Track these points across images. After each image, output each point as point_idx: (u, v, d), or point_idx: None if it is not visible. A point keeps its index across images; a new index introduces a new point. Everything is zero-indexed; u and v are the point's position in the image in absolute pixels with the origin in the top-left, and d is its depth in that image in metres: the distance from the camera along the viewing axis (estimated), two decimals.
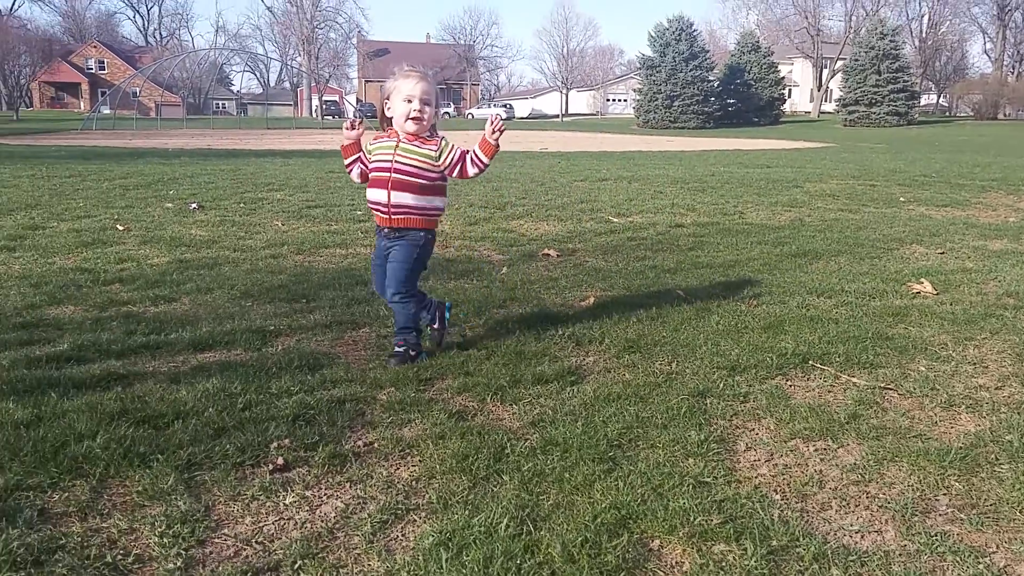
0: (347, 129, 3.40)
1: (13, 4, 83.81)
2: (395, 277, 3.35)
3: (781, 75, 58.91)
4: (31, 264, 5.17)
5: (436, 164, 3.33)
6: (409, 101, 3.25)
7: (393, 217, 3.31)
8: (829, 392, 3.08)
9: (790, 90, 68.46)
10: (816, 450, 2.56)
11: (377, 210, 3.35)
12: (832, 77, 66.54)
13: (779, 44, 69.44)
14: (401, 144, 3.29)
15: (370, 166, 3.39)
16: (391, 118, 3.35)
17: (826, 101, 67.80)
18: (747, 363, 3.33)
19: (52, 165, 12.82)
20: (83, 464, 2.23)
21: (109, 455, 2.28)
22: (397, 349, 3.40)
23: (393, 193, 3.29)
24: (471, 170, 3.37)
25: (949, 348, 3.62)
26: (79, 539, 1.90)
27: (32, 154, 16.21)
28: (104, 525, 1.97)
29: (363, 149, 3.44)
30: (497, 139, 3.33)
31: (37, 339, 3.51)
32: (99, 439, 2.37)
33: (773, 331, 3.81)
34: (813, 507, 2.20)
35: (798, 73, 75.55)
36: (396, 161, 3.28)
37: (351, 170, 3.45)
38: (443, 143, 3.34)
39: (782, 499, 2.23)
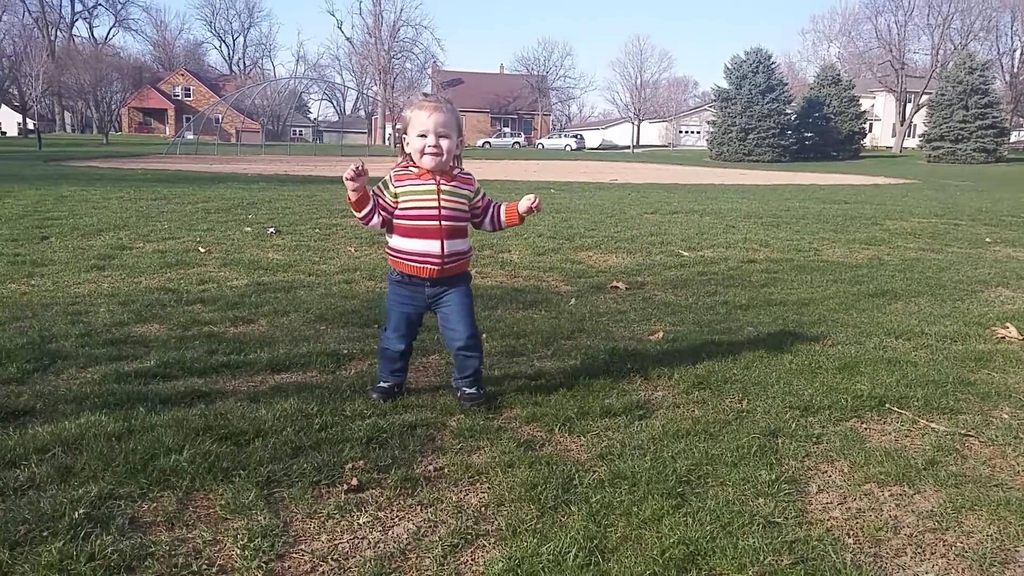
0: (351, 179, 2.92)
1: (108, 33, 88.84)
2: (469, 318, 3.16)
3: (862, 109, 57.64)
4: (119, 283, 5.44)
5: (470, 204, 3.18)
6: (423, 136, 3.00)
7: (446, 267, 3.08)
8: (906, 437, 3.00)
9: (871, 124, 66.87)
10: (891, 495, 2.50)
11: (425, 262, 3.05)
12: (916, 112, 64.81)
13: (861, 77, 68.09)
14: (443, 187, 3.06)
15: (401, 211, 3.05)
16: (408, 152, 3.11)
17: (909, 136, 66.03)
18: (821, 404, 3.27)
19: (139, 188, 13.45)
20: (170, 476, 2.35)
21: (195, 469, 2.39)
22: (473, 392, 3.17)
23: (448, 242, 3.06)
24: (487, 225, 3.24)
25: None
26: (167, 548, 2.00)
27: (120, 177, 17.04)
28: (190, 535, 2.07)
29: (382, 192, 3.08)
30: (528, 215, 3.21)
31: (125, 355, 3.69)
32: (185, 453, 2.49)
33: (848, 372, 3.73)
34: (887, 553, 2.15)
35: (880, 107, 73.85)
36: (443, 207, 3.05)
37: (369, 220, 3.06)
38: (476, 184, 3.21)
39: (855, 543, 2.19)
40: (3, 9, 69.32)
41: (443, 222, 3.05)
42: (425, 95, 3.12)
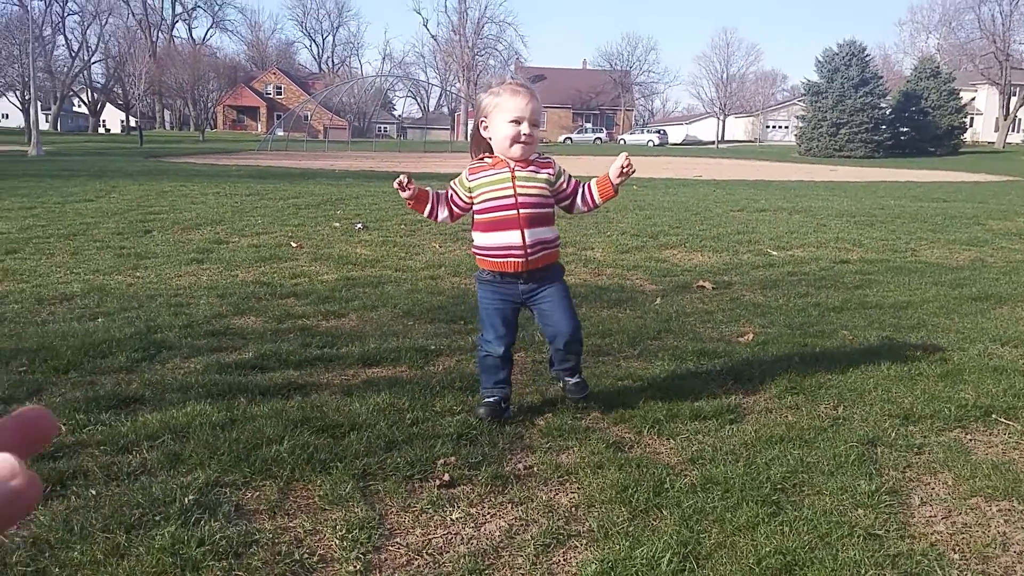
0: (401, 190, 2.89)
1: (205, 34, 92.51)
2: (570, 311, 2.98)
3: (963, 102, 54.95)
4: (217, 276, 5.66)
5: (552, 189, 2.93)
6: (518, 123, 2.79)
7: (531, 258, 2.85)
8: (1015, 449, 2.85)
9: (972, 119, 63.70)
10: (1000, 510, 2.39)
11: (508, 255, 2.85)
12: (1021, 105, 61.46)
13: (962, 70, 64.85)
14: (517, 173, 2.85)
15: (478, 206, 2.90)
16: (487, 140, 2.90)
17: (1013, 131, 62.64)
18: (922, 412, 3.14)
19: (233, 183, 13.97)
20: (272, 466, 2.44)
21: (294, 459, 2.47)
22: (579, 380, 3.09)
23: (528, 232, 2.83)
24: (580, 206, 2.98)
25: None
26: (270, 536, 2.08)
27: (215, 173, 17.74)
28: (291, 524, 2.15)
29: (456, 189, 2.95)
30: (622, 182, 2.93)
31: (225, 346, 3.84)
32: (285, 444, 2.58)
33: (951, 380, 3.57)
34: (995, 570, 2.06)
35: (982, 101, 70.23)
36: (520, 194, 2.84)
37: (436, 215, 2.97)
38: (558, 166, 2.97)
39: (961, 559, 2.10)
40: (108, 12, 72.92)
41: (521, 210, 2.83)
42: (515, 79, 2.92)
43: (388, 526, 2.16)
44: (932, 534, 2.23)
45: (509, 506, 2.31)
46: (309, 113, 65.03)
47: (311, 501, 2.27)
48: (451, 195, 2.95)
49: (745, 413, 3.14)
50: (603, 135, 73.34)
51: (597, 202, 2.97)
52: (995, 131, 65.18)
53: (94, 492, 2.24)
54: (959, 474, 2.61)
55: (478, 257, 2.97)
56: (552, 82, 79.81)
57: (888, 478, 2.57)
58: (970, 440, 2.93)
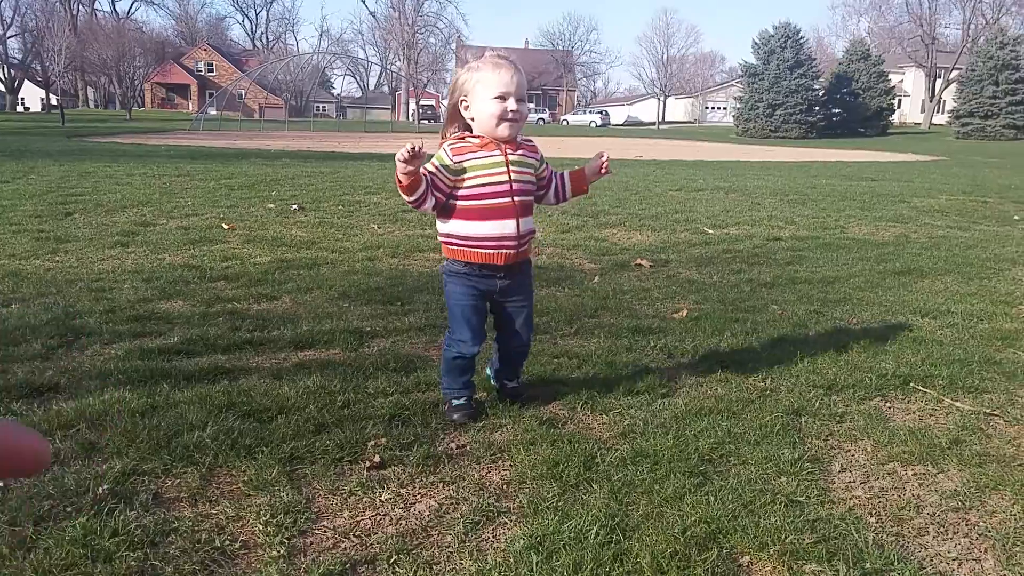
0: (405, 160, 2.44)
1: (130, 8, 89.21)
2: (530, 319, 2.90)
3: (891, 84, 56.59)
4: (143, 259, 5.48)
5: (536, 175, 2.76)
6: (503, 98, 2.57)
7: (521, 249, 2.70)
8: (931, 416, 2.96)
9: (900, 100, 65.64)
10: (915, 474, 2.47)
11: (500, 246, 2.65)
12: (946, 87, 63.57)
13: (890, 52, 66.80)
14: (511, 157, 2.63)
15: (467, 191, 2.61)
16: (469, 120, 2.66)
17: (938, 112, 64.75)
18: (845, 382, 3.24)
19: (162, 164, 13.54)
20: (194, 453, 2.37)
21: (218, 445, 2.41)
22: (515, 384, 3.02)
23: (522, 220, 2.67)
24: (550, 198, 2.85)
25: None
26: (190, 523, 2.02)
27: (143, 153, 17.17)
28: (213, 511, 2.09)
29: (439, 171, 2.61)
30: (592, 181, 2.85)
31: (149, 332, 3.72)
32: (209, 430, 2.51)
33: (873, 351, 3.69)
34: (910, 532, 2.13)
35: (909, 83, 72.42)
36: (515, 180, 2.63)
37: (422, 203, 2.58)
38: (541, 151, 2.82)
39: (877, 522, 2.17)
40: None
41: (516, 197, 2.63)
42: (496, 52, 2.68)
43: (315, 510, 2.13)
44: (850, 499, 2.29)
45: (440, 485, 2.30)
46: (243, 91, 63.45)
47: (235, 487, 2.21)
48: (432, 180, 2.58)
49: (677, 387, 3.19)
50: (546, 115, 73.37)
51: (568, 196, 2.85)
52: (921, 112, 67.41)
53: (1, 484, 2.14)
54: (878, 440, 2.69)
55: (456, 247, 2.66)
56: None
57: (811, 446, 2.64)
58: (889, 408, 3.03)
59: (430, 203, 2.60)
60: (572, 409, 2.91)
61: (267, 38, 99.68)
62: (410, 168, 2.48)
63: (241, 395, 2.85)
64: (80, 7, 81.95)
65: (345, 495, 2.21)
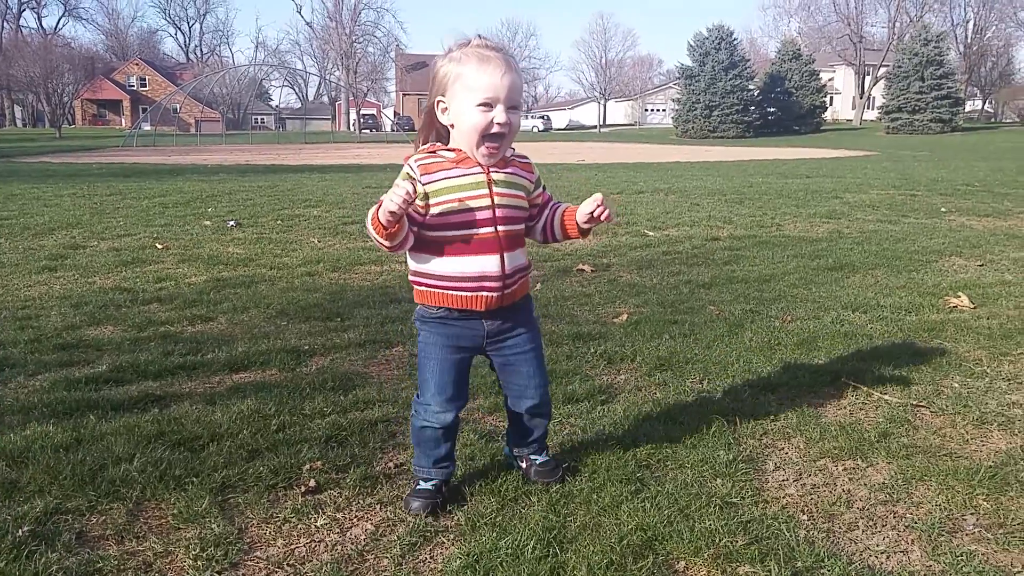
0: (401, 203, 1.95)
1: (57, 23, 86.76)
2: (543, 367, 2.35)
3: (823, 83, 58.24)
4: (71, 284, 5.32)
5: (528, 198, 2.25)
6: (489, 106, 2.04)
7: (508, 291, 2.18)
8: (861, 410, 3.04)
9: (832, 98, 67.56)
10: (845, 469, 2.53)
11: (480, 287, 2.14)
12: (875, 84, 65.62)
13: (821, 52, 68.70)
14: (495, 176, 2.13)
15: (436, 218, 2.10)
16: (447, 127, 2.15)
17: (868, 108, 66.83)
18: (779, 381, 3.30)
19: (93, 183, 13.17)
20: (120, 487, 2.29)
21: (145, 478, 2.34)
22: (547, 459, 2.42)
23: (508, 255, 2.15)
24: (536, 234, 2.31)
25: (984, 364, 3.55)
26: (116, 562, 1.95)
27: (74, 172, 16.67)
28: (140, 548, 2.02)
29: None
30: (590, 228, 2.26)
31: (77, 360, 3.61)
32: (136, 462, 2.43)
33: (806, 348, 3.77)
34: (840, 527, 2.18)
35: (840, 81, 74.57)
36: (499, 205, 2.13)
37: (403, 245, 2.11)
38: (537, 172, 2.30)
39: (809, 520, 2.22)
40: None
41: (500, 227, 2.12)
42: (482, 39, 2.11)
43: (247, 540, 2.08)
44: (784, 497, 2.34)
45: (377, 507, 2.27)
46: (178, 105, 62.05)
47: (163, 521, 2.15)
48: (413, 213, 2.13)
49: (616, 393, 3.21)
50: None
51: (558, 238, 2.30)
52: (852, 109, 69.43)
53: None
54: (810, 437, 2.75)
55: (427, 289, 2.18)
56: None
57: (745, 447, 2.68)
58: (821, 404, 3.10)
59: (409, 242, 2.12)
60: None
61: (201, 51, 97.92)
62: (401, 215, 2.00)
63: (171, 423, 2.78)
64: (4, 24, 79.45)
65: (279, 523, 2.16)
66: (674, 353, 3.69)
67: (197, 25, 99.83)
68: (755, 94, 54.41)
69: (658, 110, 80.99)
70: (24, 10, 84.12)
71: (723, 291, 5.08)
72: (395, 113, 74.96)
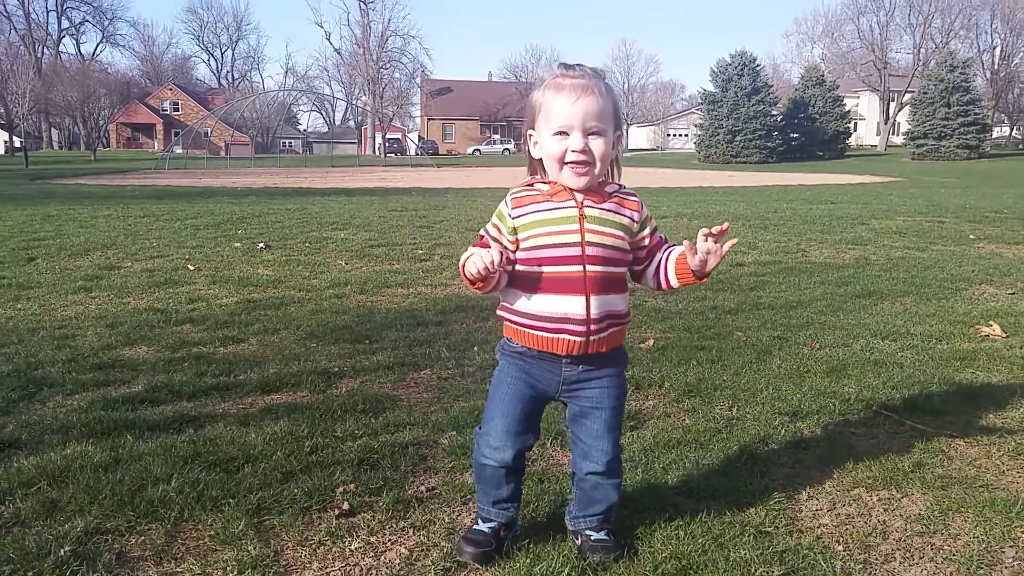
0: (482, 269, 1.91)
1: (95, 50, 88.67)
2: (615, 431, 2.14)
3: (847, 108, 57.96)
4: (107, 304, 5.41)
5: (632, 241, 2.09)
6: (563, 134, 1.98)
7: (594, 337, 2.03)
8: (894, 439, 3.01)
9: (856, 124, 67.30)
10: (880, 499, 2.51)
11: (562, 330, 2.02)
12: (900, 110, 65.24)
13: (845, 77, 68.49)
14: (588, 212, 2.01)
15: (524, 254, 2.03)
16: (537, 159, 2.09)
17: (893, 134, 66.43)
18: (809, 408, 3.29)
19: (127, 205, 13.41)
20: (158, 508, 2.33)
21: (183, 499, 2.37)
22: (604, 537, 2.13)
23: (596, 299, 2.01)
24: (648, 279, 2.15)
25: (1018, 394, 3.51)
26: None
27: (108, 194, 16.99)
28: (178, 570, 2.05)
29: (498, 227, 2.06)
30: (712, 268, 2.05)
31: (113, 380, 3.67)
32: (173, 483, 2.47)
33: (836, 375, 3.75)
34: (876, 559, 2.16)
35: (864, 106, 74.28)
36: (589, 243, 2.00)
37: (494, 290, 2.05)
38: (645, 210, 2.12)
39: (844, 550, 2.20)
40: None
41: (589, 266, 1.99)
42: (566, 67, 2.03)
43: (284, 562, 2.10)
44: (818, 527, 2.32)
45: (411, 531, 2.28)
46: (209, 129, 63.11)
47: (201, 542, 2.18)
48: (491, 243, 2.06)
49: (645, 419, 3.21)
50: (511, 146, 73.88)
51: (672, 285, 2.11)
52: (877, 135, 69.02)
53: None
54: (843, 466, 2.73)
55: (510, 325, 2.11)
56: (459, 94, 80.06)
57: (778, 475, 2.67)
58: (853, 433, 3.08)
59: (503, 284, 2.05)
60: (541, 446, 2.90)
61: (233, 76, 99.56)
62: (488, 277, 1.96)
63: (207, 444, 2.82)
64: (45, 50, 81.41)
65: (314, 546, 2.18)
66: (702, 379, 3.68)
67: (229, 51, 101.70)
68: (778, 119, 54.25)
69: (680, 135, 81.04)
70: (64, 36, 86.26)
71: (750, 317, 5.06)
72: (420, 137, 75.66)
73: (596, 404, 2.11)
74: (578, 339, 2.01)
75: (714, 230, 1.97)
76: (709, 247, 1.99)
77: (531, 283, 2.03)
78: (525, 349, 2.09)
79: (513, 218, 2.02)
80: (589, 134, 1.97)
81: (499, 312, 2.15)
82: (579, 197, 2.02)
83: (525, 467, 2.26)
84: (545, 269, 2.01)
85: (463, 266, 1.99)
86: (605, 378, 2.12)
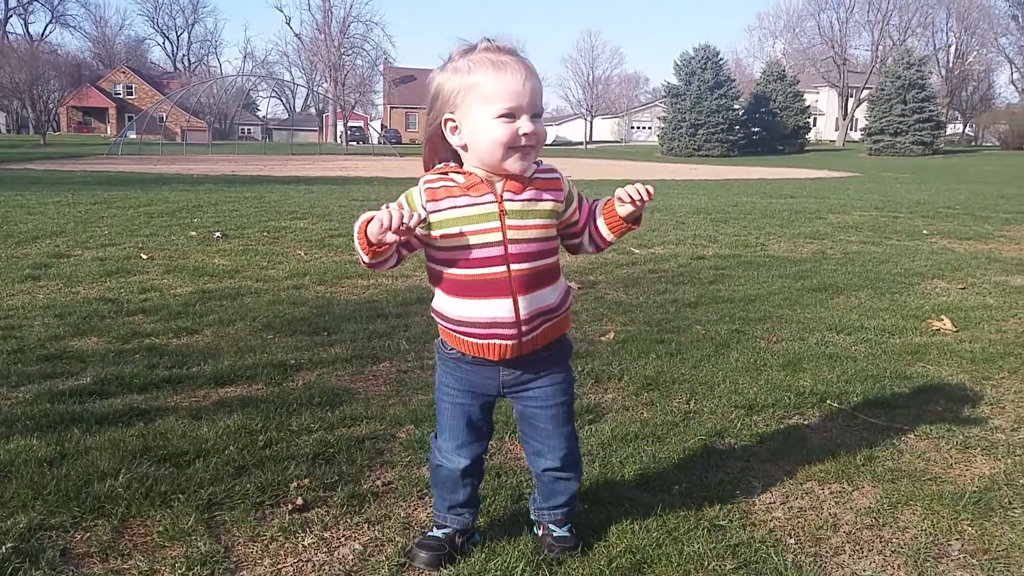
0: (395, 229, 1.72)
1: (44, 30, 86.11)
2: (566, 424, 2.06)
3: (806, 104, 58.85)
4: (55, 294, 5.27)
5: (559, 222, 1.96)
6: (512, 117, 1.79)
7: (527, 338, 1.91)
8: (846, 433, 3.07)
9: (815, 119, 68.38)
10: (831, 493, 2.55)
11: (491, 335, 1.89)
12: (858, 106, 66.46)
13: (805, 73, 69.51)
14: (508, 205, 1.85)
15: (442, 253, 1.89)
16: (459, 147, 1.87)
17: (851, 130, 67.66)
18: (765, 402, 3.32)
19: (77, 191, 13.06)
20: (105, 503, 2.27)
21: (131, 494, 2.32)
22: (564, 533, 2.12)
23: (525, 299, 1.88)
24: (587, 247, 2.03)
25: (967, 388, 3.60)
26: None
27: (58, 180, 16.52)
28: (125, 567, 2.00)
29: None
30: (631, 214, 1.94)
31: (60, 372, 3.57)
32: (121, 478, 2.41)
33: (792, 369, 3.80)
34: (827, 551, 2.20)
35: (824, 102, 75.50)
36: (512, 240, 1.85)
37: (381, 265, 1.89)
38: (568, 185, 1.97)
39: (796, 543, 2.23)
40: None
41: (513, 265, 1.86)
42: (491, 42, 1.84)
43: (234, 559, 2.06)
44: (771, 520, 2.35)
45: (365, 526, 2.26)
46: (164, 114, 61.84)
47: (149, 538, 2.13)
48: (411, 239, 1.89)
49: (604, 412, 3.22)
50: None
51: (608, 240, 2.01)
52: (835, 130, 70.26)
53: None
54: (796, 459, 2.77)
55: (441, 327, 1.99)
56: (422, 83, 79.06)
57: (733, 468, 2.70)
58: (807, 426, 3.12)
59: (391, 263, 1.91)
60: (500, 440, 2.89)
61: (189, 60, 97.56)
62: (387, 238, 1.75)
63: (157, 438, 2.76)
64: None
65: (266, 541, 2.15)
66: (661, 373, 3.70)
67: (185, 34, 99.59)
68: (740, 114, 54.90)
69: (644, 127, 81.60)
70: (11, 16, 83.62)
71: (709, 310, 5.10)
72: (382, 126, 75.03)
73: (542, 404, 2.02)
74: (510, 342, 1.90)
75: (635, 196, 1.87)
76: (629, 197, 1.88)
77: (454, 286, 1.90)
78: (459, 355, 1.98)
79: (428, 212, 1.85)
80: (534, 116, 1.81)
81: (432, 312, 2.00)
82: (498, 188, 1.85)
83: (483, 472, 2.20)
84: (466, 272, 1.87)
85: (363, 229, 1.79)
86: (548, 375, 2.02)
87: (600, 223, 1.98)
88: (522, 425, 2.10)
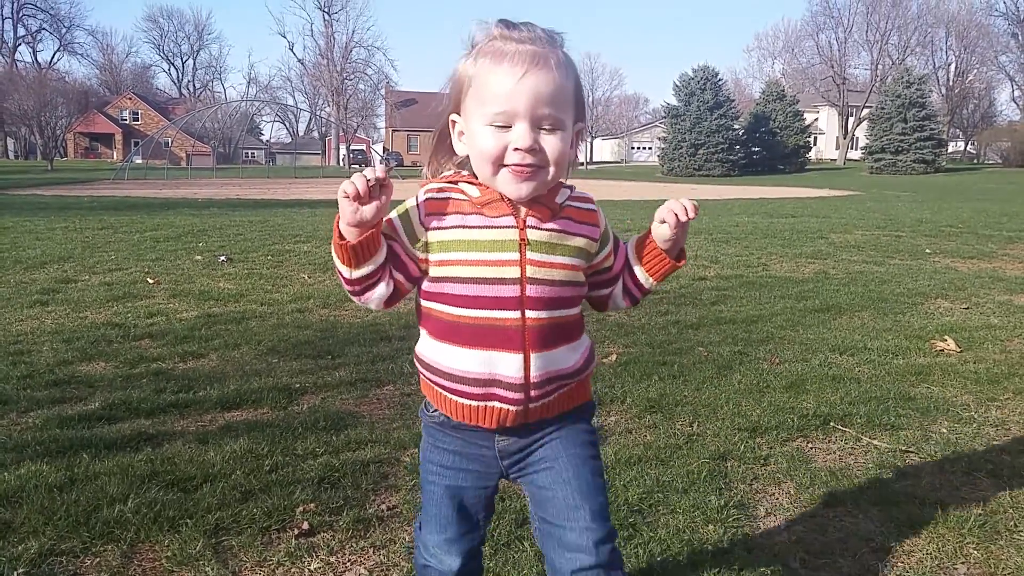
0: (364, 192, 1.31)
1: (52, 58, 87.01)
2: (596, 496, 1.52)
3: (807, 123, 59.17)
4: (63, 319, 5.31)
5: (590, 266, 1.53)
6: (504, 127, 1.37)
7: (535, 404, 1.47)
8: (850, 455, 3.07)
9: (816, 138, 68.69)
10: (836, 516, 2.56)
11: (488, 395, 1.45)
12: (858, 125, 66.71)
13: (804, 92, 69.88)
14: (531, 234, 1.43)
15: (436, 281, 1.45)
16: (463, 156, 1.48)
17: (852, 149, 67.88)
18: (768, 424, 3.34)
19: (84, 216, 13.15)
20: (114, 529, 2.29)
21: (140, 519, 2.34)
22: None
23: (537, 357, 1.44)
24: (619, 300, 1.63)
25: (971, 409, 3.61)
26: None
27: (65, 205, 16.63)
28: None
29: (396, 233, 1.43)
30: (681, 242, 1.55)
31: (69, 397, 3.60)
32: (130, 503, 2.43)
33: (795, 390, 3.81)
34: None
35: (824, 121, 75.83)
36: (531, 279, 1.42)
37: (369, 286, 1.42)
38: (604, 222, 1.55)
39: (801, 568, 2.24)
40: None
41: (530, 312, 1.43)
42: (508, 25, 1.40)
43: None
44: (775, 545, 2.36)
45: (371, 551, 2.27)
46: (170, 139, 62.23)
47: (157, 564, 2.15)
48: (391, 248, 1.43)
49: (607, 435, 3.23)
50: None
51: (648, 288, 1.62)
52: (836, 149, 70.44)
53: None
54: (800, 483, 2.78)
55: (424, 379, 1.56)
56: (424, 105, 79.91)
57: (736, 491, 2.71)
58: (811, 448, 3.13)
59: (381, 290, 1.43)
60: None
61: (194, 86, 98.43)
62: (364, 213, 1.33)
63: (165, 463, 2.78)
64: (0, 57, 79.76)
65: (272, 566, 2.16)
66: (664, 395, 3.71)
67: (191, 61, 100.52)
68: (740, 133, 55.17)
69: (644, 148, 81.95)
70: (20, 44, 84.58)
71: (711, 332, 5.12)
72: (384, 148, 75.44)
73: (560, 470, 1.51)
74: (512, 408, 1.45)
75: (679, 217, 1.47)
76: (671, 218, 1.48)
77: (447, 328, 1.45)
78: (444, 419, 1.53)
79: (427, 228, 1.42)
80: (540, 126, 1.38)
81: (416, 359, 1.55)
82: (521, 211, 1.43)
83: (482, 569, 1.72)
84: (466, 312, 1.42)
85: (336, 229, 1.38)
86: (560, 435, 1.53)
87: (637, 269, 1.58)
88: (539, 510, 1.54)
